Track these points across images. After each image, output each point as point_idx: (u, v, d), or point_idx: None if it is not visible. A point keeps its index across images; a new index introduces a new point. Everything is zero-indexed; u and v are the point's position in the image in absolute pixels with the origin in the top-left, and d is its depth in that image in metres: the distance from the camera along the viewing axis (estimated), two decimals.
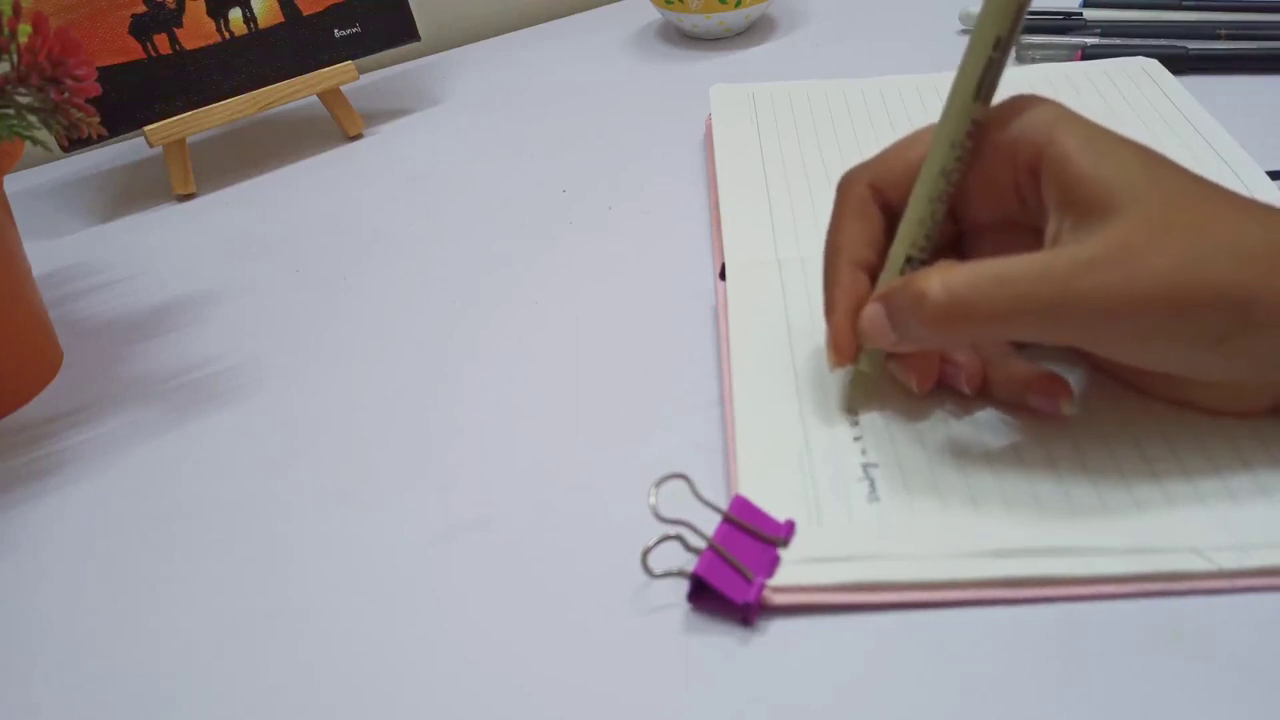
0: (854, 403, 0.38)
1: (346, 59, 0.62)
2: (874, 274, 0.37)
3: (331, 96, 0.63)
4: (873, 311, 0.35)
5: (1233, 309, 0.30)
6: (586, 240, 0.52)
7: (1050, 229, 0.33)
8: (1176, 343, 0.31)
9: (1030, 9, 0.71)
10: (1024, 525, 0.33)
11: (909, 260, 0.35)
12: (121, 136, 0.59)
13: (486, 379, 0.43)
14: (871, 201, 0.37)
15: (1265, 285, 0.30)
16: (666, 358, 0.43)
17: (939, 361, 0.37)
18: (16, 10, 0.38)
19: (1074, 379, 0.37)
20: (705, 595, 0.32)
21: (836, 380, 0.39)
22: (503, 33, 0.77)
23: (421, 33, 0.65)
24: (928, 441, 0.36)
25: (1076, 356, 0.38)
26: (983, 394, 0.37)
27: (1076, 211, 0.32)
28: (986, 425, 0.36)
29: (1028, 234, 0.34)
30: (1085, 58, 0.61)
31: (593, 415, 0.41)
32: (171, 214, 0.59)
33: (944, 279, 0.32)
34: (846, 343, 0.36)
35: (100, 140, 0.58)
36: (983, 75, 0.34)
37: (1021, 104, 0.34)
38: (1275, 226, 0.31)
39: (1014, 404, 0.36)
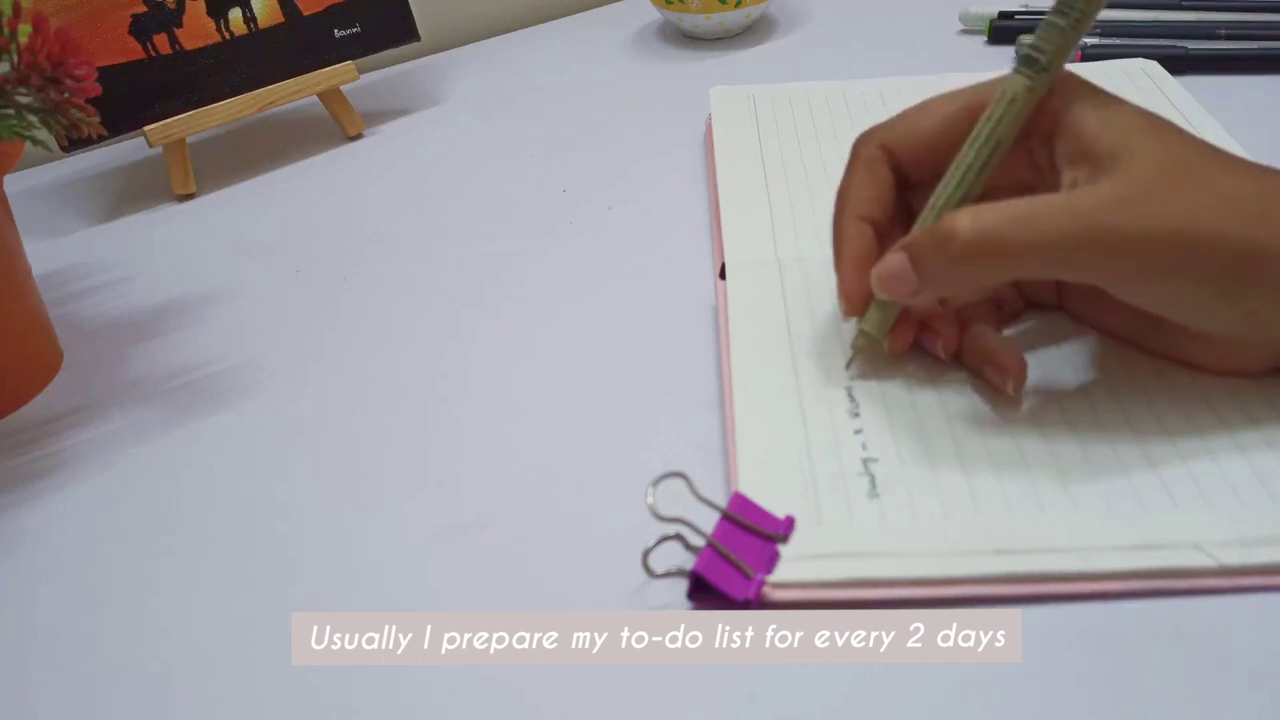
0: (857, 362, 0.39)
1: (346, 59, 0.62)
2: (878, 229, 0.38)
3: (331, 96, 0.63)
4: (895, 260, 0.36)
5: (1244, 257, 0.32)
6: (586, 240, 0.52)
7: (1064, 181, 0.35)
8: (1191, 284, 0.33)
9: (1030, 9, 0.71)
10: (1025, 521, 0.33)
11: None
12: (121, 136, 0.59)
13: (486, 379, 0.43)
14: (882, 161, 0.38)
15: (1273, 240, 0.32)
16: (666, 358, 0.43)
17: (916, 326, 0.39)
18: (16, 10, 0.38)
19: (1073, 363, 0.38)
20: (705, 593, 0.32)
21: (837, 379, 0.39)
22: (503, 33, 0.77)
23: (421, 33, 0.65)
24: (929, 436, 0.36)
25: (1082, 321, 0.40)
26: (955, 360, 0.39)
27: (1090, 163, 0.34)
28: (988, 420, 0.36)
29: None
30: (1085, 58, 0.61)
31: (593, 415, 0.41)
32: (171, 214, 0.59)
33: (973, 216, 0.34)
34: (854, 291, 0.38)
35: (100, 140, 0.58)
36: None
37: None
38: (1268, 183, 0.33)
39: (976, 372, 0.38)
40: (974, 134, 0.36)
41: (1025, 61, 0.35)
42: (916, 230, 0.37)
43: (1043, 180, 0.36)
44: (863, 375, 0.39)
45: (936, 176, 0.37)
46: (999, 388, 0.37)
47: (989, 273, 0.35)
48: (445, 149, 0.62)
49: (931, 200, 0.37)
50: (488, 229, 0.54)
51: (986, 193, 0.38)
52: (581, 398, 0.42)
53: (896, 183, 0.39)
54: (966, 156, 0.36)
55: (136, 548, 0.37)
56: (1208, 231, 0.32)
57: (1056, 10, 0.35)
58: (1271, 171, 0.34)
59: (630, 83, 0.67)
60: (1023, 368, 0.37)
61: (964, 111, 0.37)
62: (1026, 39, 0.62)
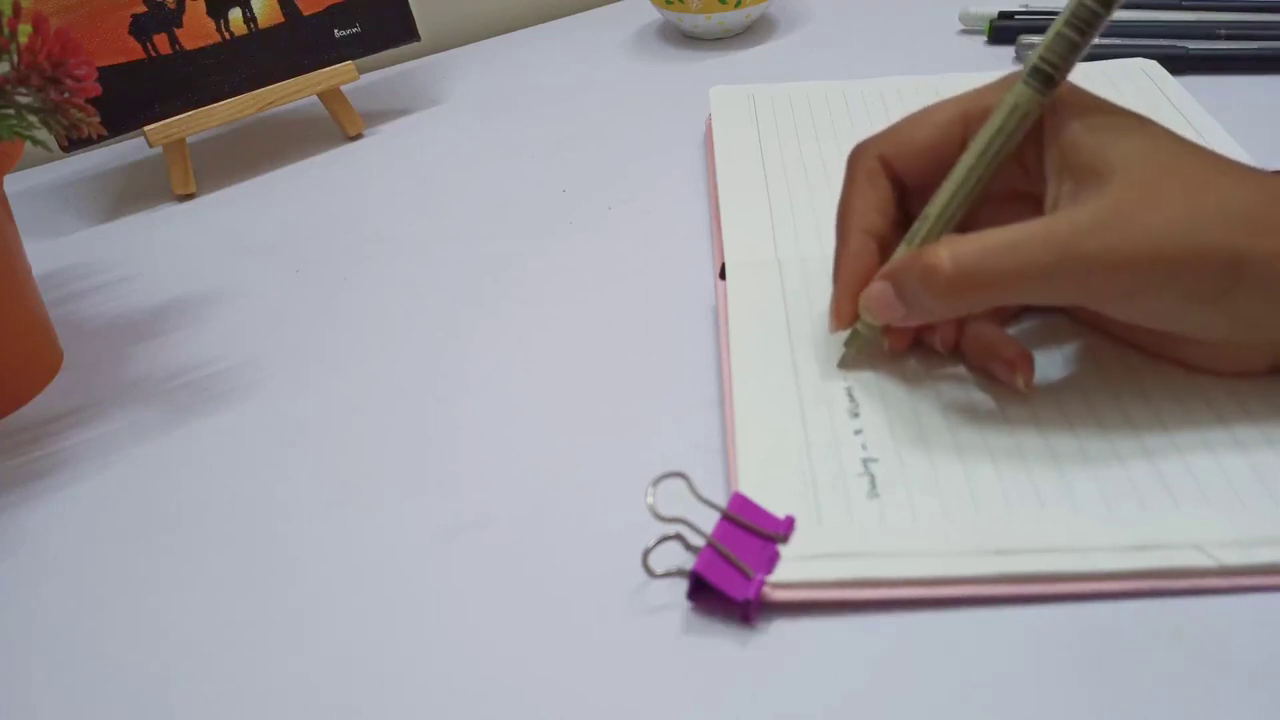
0: (849, 361, 0.39)
1: (346, 59, 0.62)
2: (882, 240, 0.38)
3: (331, 96, 0.63)
4: (880, 289, 0.36)
5: (1225, 267, 0.32)
6: (586, 240, 0.52)
7: (1050, 194, 0.35)
8: (1173, 299, 0.33)
9: (1030, 9, 0.71)
10: (1025, 521, 0.33)
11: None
12: (121, 136, 0.59)
13: (486, 379, 0.43)
14: (881, 173, 0.38)
15: (1256, 245, 0.32)
16: (666, 358, 0.43)
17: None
18: (16, 10, 0.38)
19: (1073, 363, 0.38)
20: (705, 593, 0.32)
21: (836, 378, 0.39)
22: (503, 33, 0.77)
23: (421, 33, 0.65)
24: (929, 436, 0.36)
25: (1081, 322, 0.40)
26: (954, 353, 0.39)
27: (1075, 176, 0.34)
28: (988, 420, 0.36)
29: (1027, 202, 0.36)
30: (1085, 58, 0.61)
31: (593, 415, 0.41)
32: (171, 214, 0.59)
33: (952, 251, 0.34)
34: (845, 310, 0.38)
35: (100, 140, 0.58)
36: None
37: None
38: (1261, 187, 0.33)
39: (979, 367, 0.38)
40: (979, 146, 0.36)
41: (1035, 74, 0.35)
42: (903, 248, 0.37)
43: (1034, 185, 0.36)
44: (857, 369, 0.39)
45: (932, 183, 0.37)
46: (1009, 384, 0.37)
47: (972, 303, 0.35)
48: (445, 149, 0.62)
49: (926, 210, 0.37)
50: (488, 229, 0.54)
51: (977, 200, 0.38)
52: (581, 398, 0.42)
53: (895, 191, 0.39)
54: (976, 168, 0.36)
55: (136, 548, 0.37)
56: (1188, 246, 0.32)
57: (1069, 23, 0.35)
58: (1264, 177, 0.34)
59: (630, 83, 0.67)
60: (1030, 360, 0.37)
61: (959, 119, 0.37)
62: (1028, 39, 0.63)
